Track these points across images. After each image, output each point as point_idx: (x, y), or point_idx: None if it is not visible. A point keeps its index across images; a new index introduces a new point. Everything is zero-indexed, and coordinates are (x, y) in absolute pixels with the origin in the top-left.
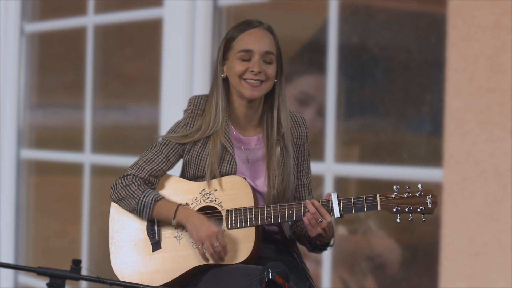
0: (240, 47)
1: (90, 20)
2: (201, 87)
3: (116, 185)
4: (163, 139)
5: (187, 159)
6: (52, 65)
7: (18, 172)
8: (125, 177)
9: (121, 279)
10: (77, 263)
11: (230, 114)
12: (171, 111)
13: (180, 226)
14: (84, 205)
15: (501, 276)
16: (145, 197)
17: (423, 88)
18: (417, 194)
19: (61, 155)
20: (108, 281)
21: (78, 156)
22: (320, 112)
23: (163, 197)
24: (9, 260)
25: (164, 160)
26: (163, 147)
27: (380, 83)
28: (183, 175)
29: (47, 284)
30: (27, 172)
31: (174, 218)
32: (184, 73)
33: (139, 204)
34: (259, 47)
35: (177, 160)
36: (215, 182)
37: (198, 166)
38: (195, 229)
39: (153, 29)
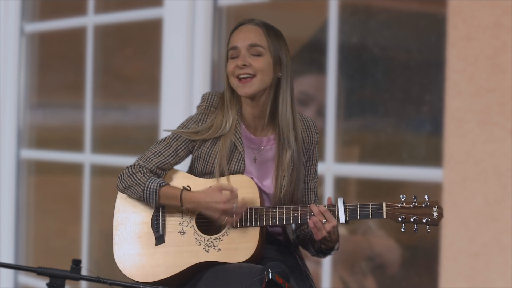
0: (228, 47)
1: (90, 20)
2: (201, 87)
3: (123, 174)
4: (173, 133)
5: (197, 155)
6: (52, 65)
7: (18, 172)
8: (132, 167)
9: (122, 271)
10: (77, 263)
11: (241, 113)
12: (171, 111)
13: (185, 221)
14: (84, 205)
15: (501, 276)
16: (150, 183)
17: (423, 88)
18: (423, 205)
19: (61, 155)
20: (108, 281)
21: (78, 156)
22: (320, 112)
23: (167, 183)
24: (9, 260)
25: (173, 154)
26: (173, 141)
27: (380, 83)
28: (191, 170)
29: (47, 284)
30: (27, 172)
31: (182, 206)
32: (184, 73)
33: (145, 191)
34: (243, 42)
35: (186, 155)
36: (222, 180)
37: (207, 163)
38: (207, 210)
39: (153, 29)
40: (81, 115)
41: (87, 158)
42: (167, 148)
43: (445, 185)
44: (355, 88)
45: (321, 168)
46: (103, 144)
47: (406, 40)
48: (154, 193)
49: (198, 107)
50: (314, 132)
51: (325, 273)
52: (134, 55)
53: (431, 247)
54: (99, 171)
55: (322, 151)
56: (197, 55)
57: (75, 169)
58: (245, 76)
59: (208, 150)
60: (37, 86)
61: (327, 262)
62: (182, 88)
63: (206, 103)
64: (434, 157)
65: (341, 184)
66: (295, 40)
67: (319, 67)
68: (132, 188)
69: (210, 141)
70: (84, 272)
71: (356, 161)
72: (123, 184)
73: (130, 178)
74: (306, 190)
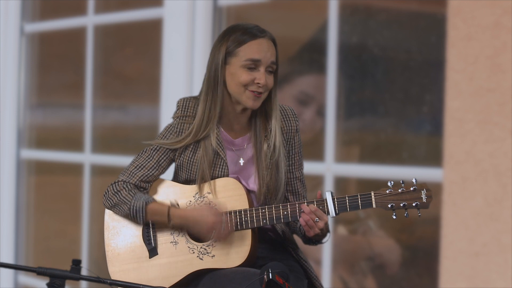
0: (247, 56)
1: (90, 20)
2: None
3: (108, 192)
4: (154, 144)
5: (179, 164)
6: (52, 65)
7: (18, 172)
8: (116, 184)
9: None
10: (77, 263)
11: (221, 117)
12: (171, 111)
13: (176, 231)
14: (84, 205)
15: (501, 276)
16: (136, 201)
17: (423, 88)
18: (411, 189)
19: (61, 155)
20: (108, 281)
21: (78, 156)
22: (320, 112)
23: (153, 200)
24: (9, 260)
25: (155, 165)
26: (154, 153)
27: (380, 83)
28: (176, 178)
29: (47, 284)
30: (27, 172)
31: (169, 222)
32: (184, 73)
33: (131, 209)
34: (266, 57)
35: (169, 165)
36: (208, 185)
37: (190, 171)
38: (195, 224)
39: (153, 29)
40: (81, 115)
41: (87, 158)
42: (149, 160)
43: (445, 185)
44: (355, 88)
45: (321, 168)
46: (103, 144)
47: (406, 40)
48: (141, 211)
49: (174, 116)
50: (293, 120)
51: (325, 273)
52: (134, 55)
53: (431, 247)
54: (99, 171)
55: (322, 151)
56: (197, 55)
57: (75, 169)
58: (259, 93)
59: (189, 158)
60: (37, 86)
61: (327, 262)
62: (182, 88)
63: (182, 111)
64: (434, 157)
65: (341, 184)
66: (295, 40)
67: (319, 67)
68: (118, 206)
69: (191, 148)
70: (84, 272)
71: (356, 161)
72: (109, 203)
73: (116, 196)
74: (292, 179)
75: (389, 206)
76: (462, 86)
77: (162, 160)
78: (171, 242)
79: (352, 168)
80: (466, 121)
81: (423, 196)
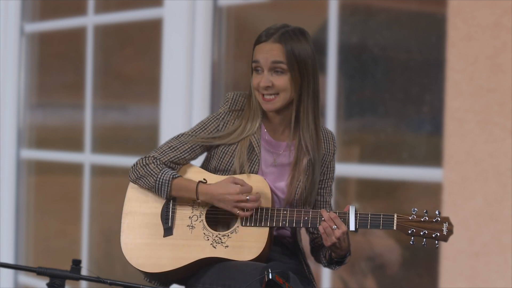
0: (252, 58)
1: (90, 20)
2: (201, 87)
3: (136, 164)
4: (191, 131)
5: (213, 153)
6: (52, 65)
7: (18, 172)
8: (146, 158)
9: (128, 260)
10: (77, 263)
11: (264, 117)
12: (171, 111)
13: (195, 215)
14: (84, 205)
15: (501, 276)
16: (163, 174)
17: (423, 88)
18: (434, 220)
19: (61, 155)
20: (108, 281)
21: (78, 156)
22: (320, 112)
23: (180, 176)
24: (9, 260)
25: (189, 150)
26: (190, 138)
27: (380, 83)
28: (204, 165)
29: (47, 284)
30: (27, 172)
31: (198, 198)
32: (184, 73)
33: (157, 182)
34: (265, 58)
35: (202, 152)
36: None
37: (221, 160)
38: (220, 202)
39: (153, 29)
40: (81, 115)
41: (87, 158)
42: (184, 143)
43: (445, 185)
44: (355, 88)
45: None
46: (103, 144)
47: (406, 40)
48: (167, 184)
49: (221, 109)
50: (331, 144)
51: (325, 273)
52: (134, 55)
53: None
54: (99, 171)
55: None
56: (197, 55)
57: (75, 169)
58: (267, 96)
59: (224, 148)
60: (37, 86)
61: None
62: (182, 88)
63: (230, 106)
64: (434, 157)
65: (341, 184)
66: None
67: (319, 67)
68: (145, 178)
69: None
70: (84, 272)
71: (356, 161)
72: (136, 174)
73: (143, 169)
74: (322, 203)
75: (409, 231)
76: (462, 86)
77: (197, 147)
78: (188, 225)
79: (352, 168)
80: (466, 121)
81: (444, 229)
